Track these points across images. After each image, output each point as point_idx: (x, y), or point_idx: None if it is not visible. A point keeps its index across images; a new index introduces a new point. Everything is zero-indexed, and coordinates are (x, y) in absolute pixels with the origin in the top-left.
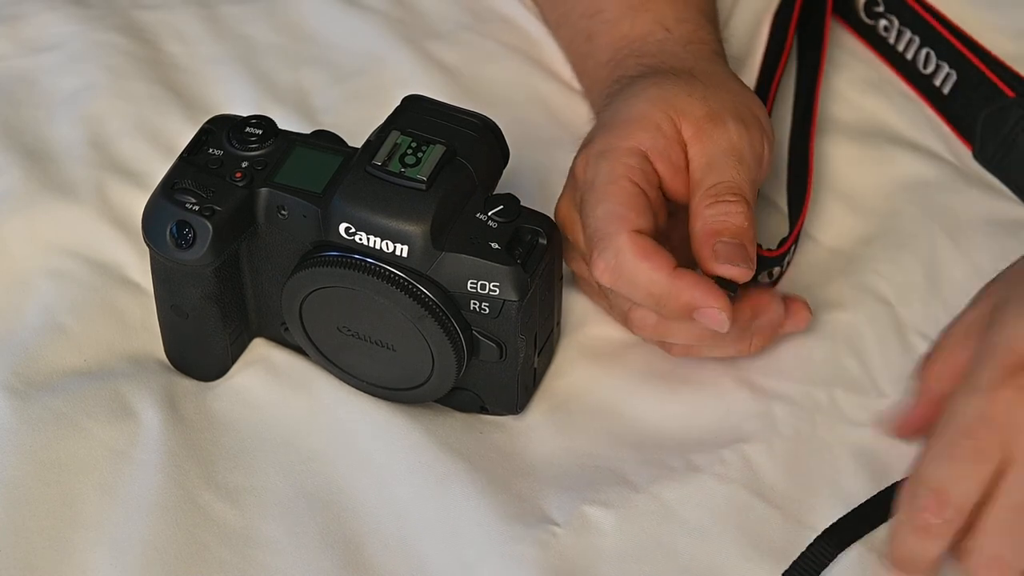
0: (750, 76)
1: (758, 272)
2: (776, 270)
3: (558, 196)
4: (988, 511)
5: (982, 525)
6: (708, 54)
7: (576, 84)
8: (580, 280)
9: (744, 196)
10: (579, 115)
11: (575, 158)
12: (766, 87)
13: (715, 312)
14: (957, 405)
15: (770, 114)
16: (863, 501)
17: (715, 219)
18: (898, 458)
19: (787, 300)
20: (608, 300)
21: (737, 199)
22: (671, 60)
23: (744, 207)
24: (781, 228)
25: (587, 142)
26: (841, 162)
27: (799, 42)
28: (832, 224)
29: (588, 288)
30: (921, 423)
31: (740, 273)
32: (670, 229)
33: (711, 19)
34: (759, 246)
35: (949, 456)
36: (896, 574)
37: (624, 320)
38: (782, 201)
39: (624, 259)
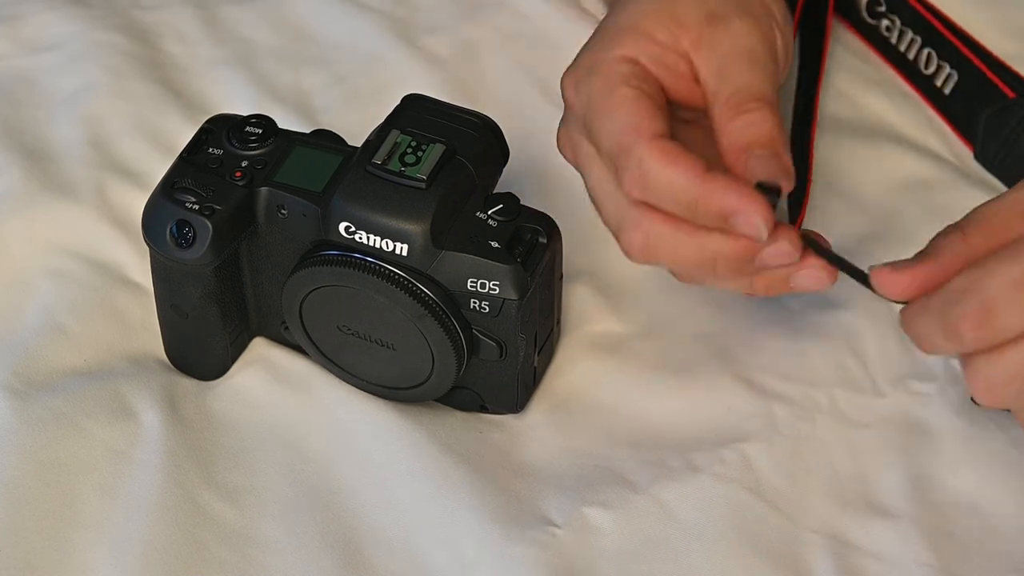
0: None
1: None
2: None
3: (558, 193)
4: (1018, 345)
5: (1004, 354)
6: None
7: None
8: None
9: (767, 99)
10: None
11: (562, 80)
12: None
13: (751, 217)
14: None
15: None
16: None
17: (741, 133)
18: (898, 458)
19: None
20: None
21: (759, 105)
22: None
23: (769, 112)
24: None
25: (574, 61)
26: (842, 161)
27: (801, 40)
28: (832, 223)
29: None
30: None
31: (780, 185)
32: (690, 139)
33: None
34: None
35: (1019, 286)
36: (907, 334)
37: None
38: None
39: (649, 168)
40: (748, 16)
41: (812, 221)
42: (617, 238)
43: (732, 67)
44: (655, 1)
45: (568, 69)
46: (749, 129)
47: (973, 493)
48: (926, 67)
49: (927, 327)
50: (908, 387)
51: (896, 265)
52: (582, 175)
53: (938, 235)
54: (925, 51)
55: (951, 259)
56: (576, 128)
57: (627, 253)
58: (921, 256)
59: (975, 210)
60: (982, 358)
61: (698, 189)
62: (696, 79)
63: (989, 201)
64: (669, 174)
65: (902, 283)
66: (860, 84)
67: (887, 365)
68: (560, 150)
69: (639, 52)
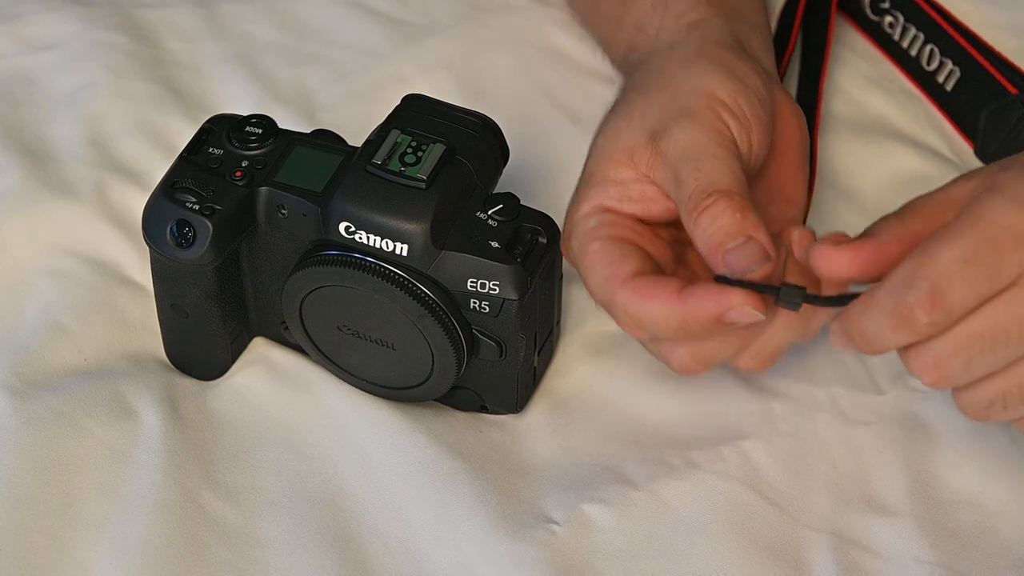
0: None
1: None
2: None
3: (558, 193)
4: (965, 320)
5: (951, 330)
6: (673, 36)
7: (579, 75)
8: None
9: (721, 189)
10: (584, 107)
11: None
12: None
13: (740, 309)
14: (987, 210)
15: None
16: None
17: (706, 232)
18: (898, 455)
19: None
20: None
21: (715, 198)
22: (637, 73)
23: (726, 201)
24: None
25: (563, 231)
26: (842, 158)
27: (803, 39)
28: (832, 221)
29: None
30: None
31: (763, 274)
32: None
33: None
34: None
35: (965, 261)
36: (838, 342)
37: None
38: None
39: (633, 310)
40: (685, 118)
41: (811, 217)
42: (672, 368)
43: (681, 171)
44: (607, 143)
45: (561, 240)
46: (712, 226)
47: (973, 490)
48: (928, 63)
49: (875, 322)
50: (908, 384)
51: (836, 242)
52: None
53: (875, 223)
54: (928, 47)
55: (889, 239)
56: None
57: (686, 373)
58: (860, 237)
59: (911, 201)
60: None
61: (680, 311)
62: (664, 195)
63: (924, 194)
64: (650, 309)
65: (843, 260)
66: (861, 81)
67: (886, 363)
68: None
69: (603, 198)
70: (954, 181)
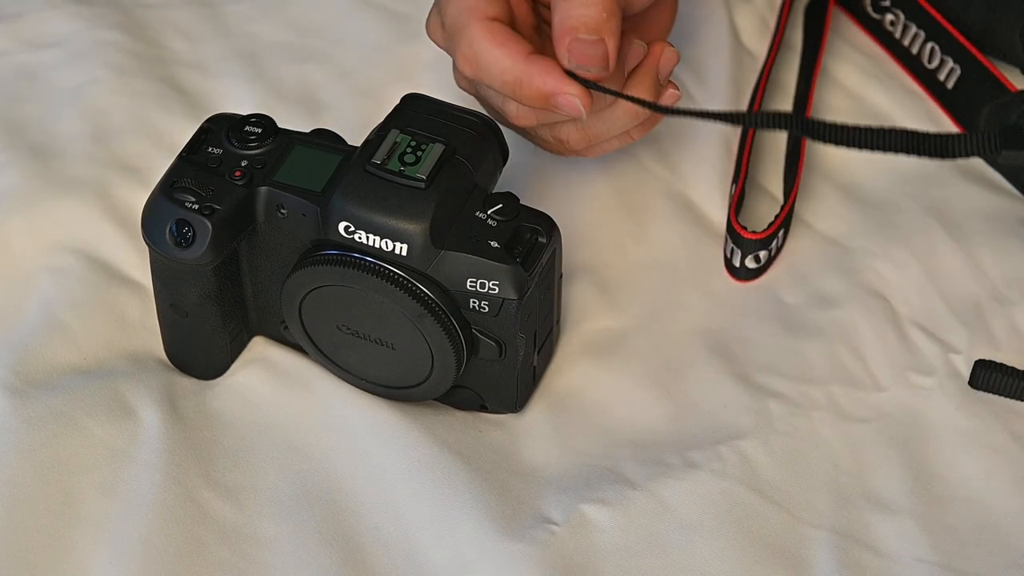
0: (756, 69)
1: (743, 254)
2: (763, 254)
3: (557, 192)
4: None
5: None
6: None
7: None
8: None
9: None
10: None
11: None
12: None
13: (569, 99)
14: None
15: (760, 104)
16: None
17: (569, 15)
18: (897, 453)
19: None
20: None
21: None
22: None
23: None
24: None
25: None
26: (841, 153)
27: (804, 36)
28: (830, 216)
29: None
30: None
31: (594, 76)
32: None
33: None
34: (743, 227)
35: None
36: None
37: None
38: (778, 191)
39: (479, 47)
40: None
41: (810, 212)
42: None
43: None
44: None
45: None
46: (578, 11)
47: (973, 487)
48: (929, 61)
49: None
50: (907, 381)
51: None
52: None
53: None
54: (928, 45)
55: None
56: (435, 18)
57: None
58: None
59: None
60: None
61: (521, 70)
62: None
63: None
64: (495, 54)
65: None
66: (861, 78)
67: (885, 360)
68: (431, 36)
69: None
70: None
